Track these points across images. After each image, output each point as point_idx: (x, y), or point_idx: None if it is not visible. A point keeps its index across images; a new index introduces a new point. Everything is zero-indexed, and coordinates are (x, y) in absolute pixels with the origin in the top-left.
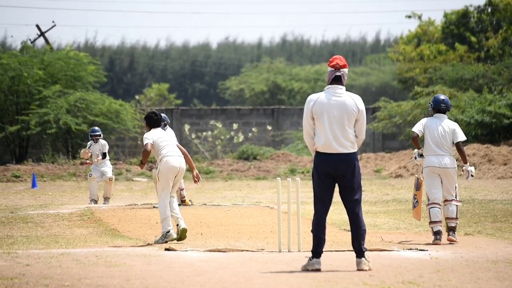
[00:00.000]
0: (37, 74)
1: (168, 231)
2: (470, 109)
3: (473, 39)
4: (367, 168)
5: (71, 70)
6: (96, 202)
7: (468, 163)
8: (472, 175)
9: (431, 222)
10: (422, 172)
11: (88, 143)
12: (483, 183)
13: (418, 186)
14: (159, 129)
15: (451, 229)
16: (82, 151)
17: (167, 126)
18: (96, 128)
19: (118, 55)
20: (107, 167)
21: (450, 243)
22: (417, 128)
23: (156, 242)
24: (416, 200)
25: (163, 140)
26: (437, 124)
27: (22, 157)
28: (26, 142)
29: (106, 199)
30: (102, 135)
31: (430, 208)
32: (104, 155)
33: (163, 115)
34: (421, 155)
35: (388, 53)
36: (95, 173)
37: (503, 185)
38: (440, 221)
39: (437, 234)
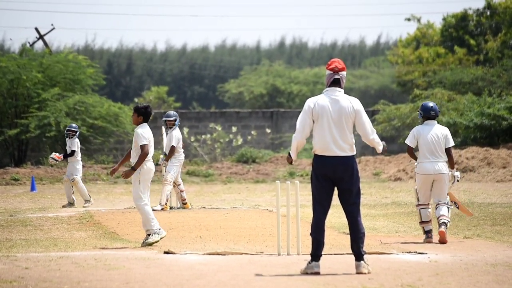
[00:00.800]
0: (36, 77)
1: (159, 228)
2: (469, 112)
3: (472, 42)
4: (366, 171)
5: (70, 73)
6: (71, 204)
7: (454, 169)
8: (457, 180)
9: (422, 222)
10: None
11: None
12: (482, 186)
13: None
14: (147, 126)
15: (442, 224)
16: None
17: (176, 126)
18: (74, 125)
19: (116, 58)
20: (73, 168)
21: (442, 236)
22: (409, 140)
23: (149, 243)
24: (453, 202)
25: (151, 143)
26: (429, 131)
27: (21, 160)
28: (25, 145)
29: (85, 201)
30: (77, 132)
31: (420, 209)
32: (70, 153)
33: (174, 112)
34: None
35: (387, 56)
36: (67, 175)
37: (502, 188)
38: (431, 221)
39: (428, 232)
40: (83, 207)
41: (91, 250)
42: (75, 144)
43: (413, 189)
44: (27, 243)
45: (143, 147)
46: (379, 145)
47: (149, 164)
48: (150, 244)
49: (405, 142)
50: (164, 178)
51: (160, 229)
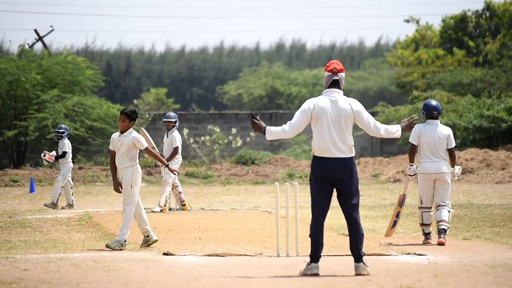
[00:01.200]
0: (35, 79)
1: (125, 240)
2: (468, 113)
3: (471, 43)
4: (365, 173)
5: (69, 74)
6: (70, 206)
7: (455, 166)
8: (458, 175)
9: (422, 224)
10: (407, 186)
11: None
12: (481, 187)
13: (402, 203)
14: None
15: (441, 231)
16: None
17: (176, 128)
18: (63, 126)
19: (115, 59)
20: (62, 169)
21: (441, 245)
22: (412, 139)
23: (110, 246)
24: (399, 218)
25: None
26: (432, 131)
27: (20, 161)
28: (24, 147)
29: (52, 203)
30: (65, 133)
31: (423, 211)
32: (62, 155)
33: (174, 114)
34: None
35: (386, 58)
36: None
37: (501, 190)
38: (431, 224)
39: (427, 234)
40: (44, 205)
41: (90, 251)
42: (65, 145)
43: (418, 195)
44: (26, 244)
45: (148, 149)
46: (395, 134)
47: (139, 167)
48: (108, 247)
49: (409, 141)
50: (164, 179)
51: (125, 241)
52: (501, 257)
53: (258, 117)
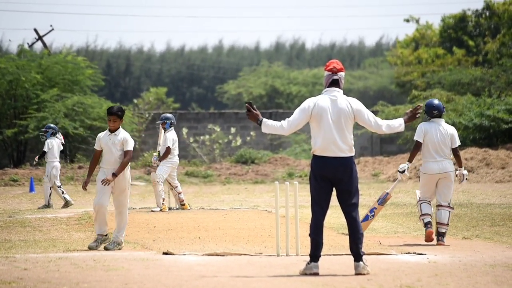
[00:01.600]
0: (35, 78)
1: (123, 241)
2: (469, 112)
3: (471, 43)
4: (365, 172)
5: (68, 74)
6: (67, 204)
7: (463, 167)
8: (466, 179)
9: (422, 215)
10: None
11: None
12: (481, 187)
13: (383, 201)
14: None
15: (440, 234)
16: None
17: (169, 128)
18: (51, 125)
19: (115, 58)
20: (46, 169)
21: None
22: (418, 136)
23: (109, 249)
24: (373, 214)
25: None
26: (436, 130)
27: (20, 161)
28: (24, 146)
29: (44, 205)
30: (48, 132)
31: (421, 203)
32: (41, 154)
33: (165, 115)
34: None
35: (386, 57)
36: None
37: (501, 189)
38: (430, 214)
39: (427, 224)
40: (38, 208)
41: (90, 251)
42: (45, 145)
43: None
44: (26, 244)
45: (129, 153)
46: (398, 128)
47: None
48: (107, 249)
49: (415, 139)
50: (152, 179)
51: (123, 241)
52: (500, 256)
53: (255, 106)
